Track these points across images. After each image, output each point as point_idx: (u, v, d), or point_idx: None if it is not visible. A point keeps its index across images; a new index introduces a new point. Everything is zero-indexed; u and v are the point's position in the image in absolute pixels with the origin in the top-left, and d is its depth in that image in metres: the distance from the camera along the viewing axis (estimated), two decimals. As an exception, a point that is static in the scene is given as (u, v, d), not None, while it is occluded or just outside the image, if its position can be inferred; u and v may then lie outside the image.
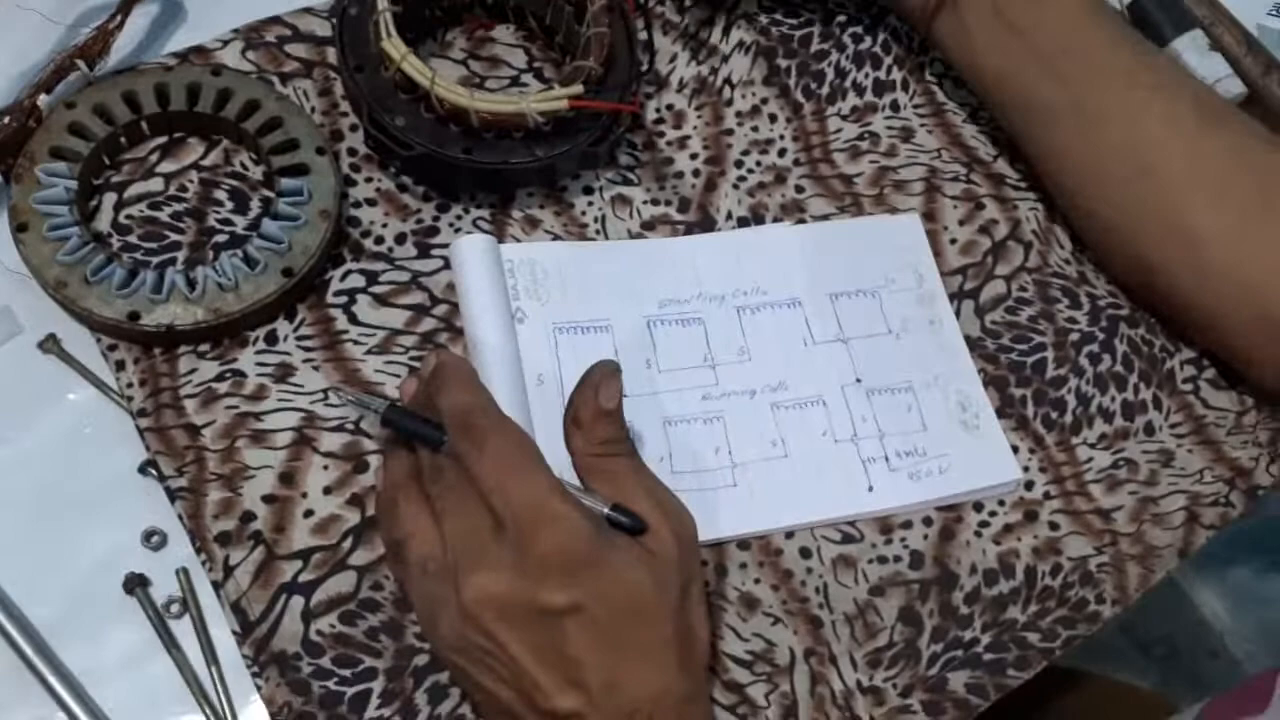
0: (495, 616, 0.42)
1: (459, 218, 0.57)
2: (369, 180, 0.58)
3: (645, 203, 0.60)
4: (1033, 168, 0.62)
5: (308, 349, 0.53)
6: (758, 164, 0.62)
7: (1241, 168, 0.56)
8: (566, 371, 0.54)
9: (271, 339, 0.53)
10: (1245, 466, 0.58)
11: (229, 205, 0.56)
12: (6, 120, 0.53)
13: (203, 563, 0.49)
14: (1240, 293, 0.55)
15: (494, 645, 0.42)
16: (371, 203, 0.57)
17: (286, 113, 0.56)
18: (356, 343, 0.54)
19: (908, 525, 0.54)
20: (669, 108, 0.63)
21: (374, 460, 0.51)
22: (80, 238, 0.51)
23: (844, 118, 0.64)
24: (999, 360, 0.59)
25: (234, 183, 0.56)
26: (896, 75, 0.66)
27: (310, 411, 0.52)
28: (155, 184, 0.55)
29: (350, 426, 0.52)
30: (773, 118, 0.63)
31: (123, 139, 0.55)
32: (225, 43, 0.59)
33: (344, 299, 0.55)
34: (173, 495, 0.50)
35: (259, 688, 0.47)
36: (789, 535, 0.53)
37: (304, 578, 0.49)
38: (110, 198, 0.55)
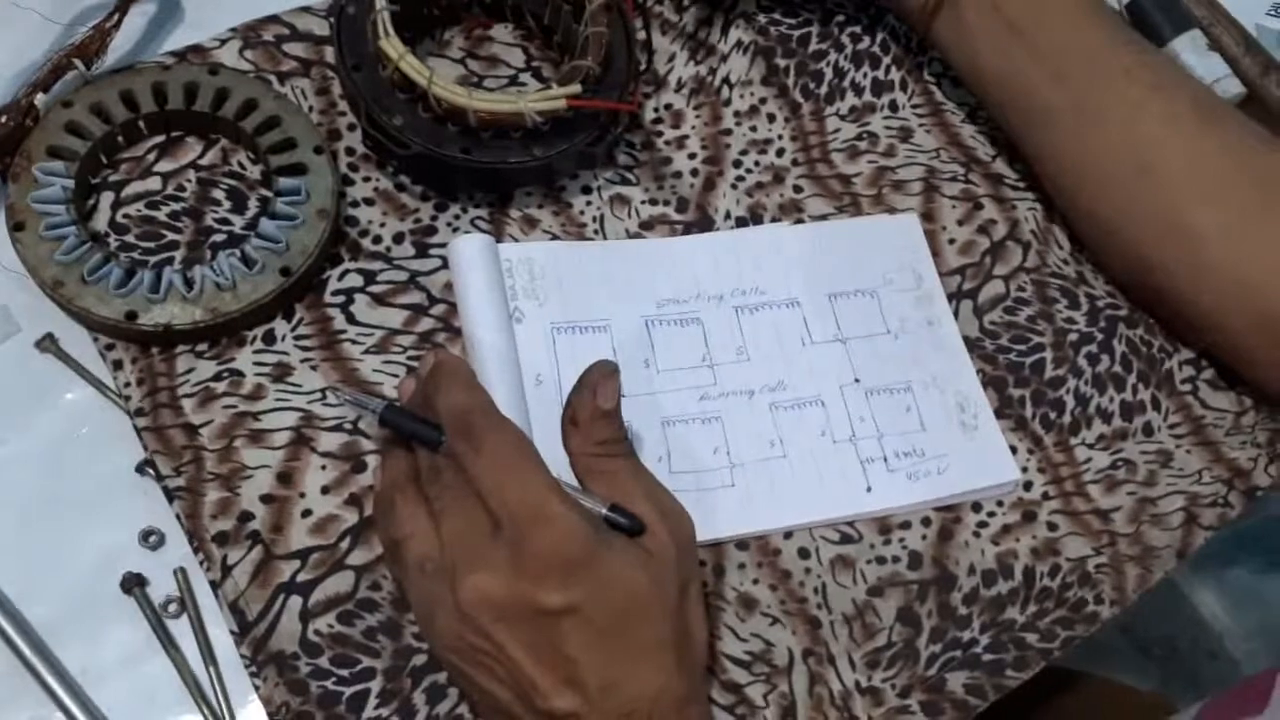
0: (493, 617, 0.42)
1: (457, 217, 0.57)
2: (367, 179, 0.58)
3: (643, 202, 0.60)
4: (1031, 167, 0.62)
5: (306, 348, 0.53)
6: (756, 164, 0.62)
7: (1240, 167, 0.56)
8: (565, 371, 0.54)
9: (269, 338, 0.53)
10: (1244, 467, 0.58)
11: (227, 204, 0.55)
12: (3, 119, 0.52)
13: (200, 562, 0.49)
14: (1239, 292, 0.55)
15: (491, 645, 0.42)
16: (369, 202, 0.57)
17: (284, 112, 0.56)
18: (354, 342, 0.54)
19: (906, 526, 0.54)
20: (667, 107, 0.63)
21: (372, 460, 0.51)
22: (77, 237, 0.51)
23: (842, 118, 0.64)
24: (997, 360, 0.59)
25: (232, 182, 0.56)
26: (895, 75, 0.66)
27: (308, 411, 0.52)
28: (153, 183, 0.55)
29: (348, 426, 0.52)
30: (771, 117, 0.63)
31: (120, 138, 0.55)
32: (223, 42, 0.59)
33: (342, 298, 0.54)
34: (170, 495, 0.50)
35: (257, 687, 0.47)
36: (787, 535, 0.53)
37: (302, 577, 0.49)
38: (108, 197, 0.55)
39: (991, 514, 0.55)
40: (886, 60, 0.66)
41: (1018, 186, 0.63)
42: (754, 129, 0.63)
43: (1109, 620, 0.54)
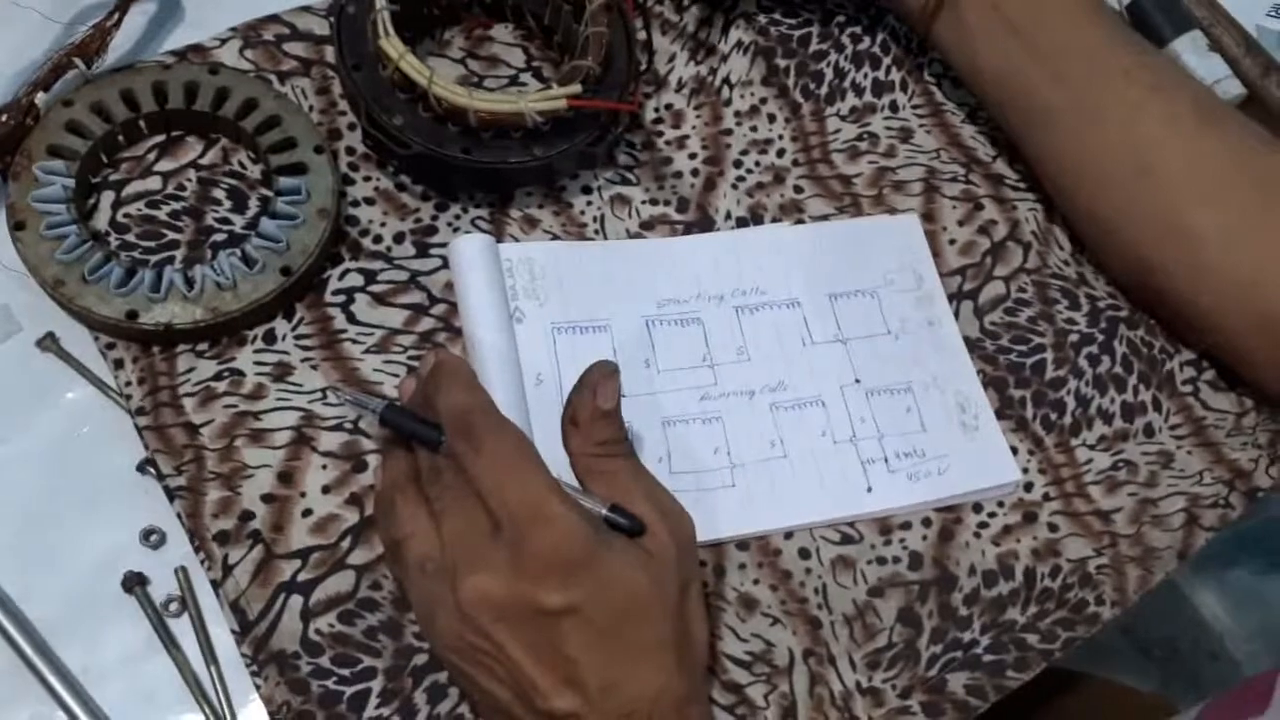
0: (493, 617, 0.42)
1: (457, 217, 0.57)
2: (367, 179, 0.58)
3: (644, 202, 0.60)
4: (1031, 168, 0.62)
5: (306, 348, 0.53)
6: (756, 164, 0.62)
7: (1240, 168, 0.56)
8: (565, 371, 0.54)
9: (270, 338, 0.53)
10: (1245, 468, 0.58)
11: (227, 204, 0.55)
12: (4, 118, 0.52)
13: (201, 562, 0.49)
14: (1238, 293, 0.55)
15: (491, 646, 0.42)
16: (370, 202, 0.57)
17: (284, 111, 0.56)
18: (355, 342, 0.54)
19: (907, 526, 0.54)
20: (668, 107, 0.63)
21: (373, 460, 0.51)
22: (78, 236, 0.51)
23: (843, 118, 0.64)
24: (998, 361, 0.59)
25: (232, 181, 0.56)
26: (895, 76, 0.66)
27: (309, 411, 0.52)
28: (153, 182, 0.55)
29: (349, 426, 0.52)
30: (771, 118, 0.63)
31: (120, 137, 0.55)
32: (223, 41, 0.59)
33: (342, 298, 0.54)
34: (171, 494, 0.50)
35: (258, 687, 0.47)
36: (788, 536, 0.53)
37: (303, 577, 0.49)
38: (108, 196, 0.55)
39: (992, 515, 0.55)
40: (887, 61, 0.66)
41: (1018, 187, 0.63)
42: (754, 129, 0.63)
43: (1110, 621, 0.54)
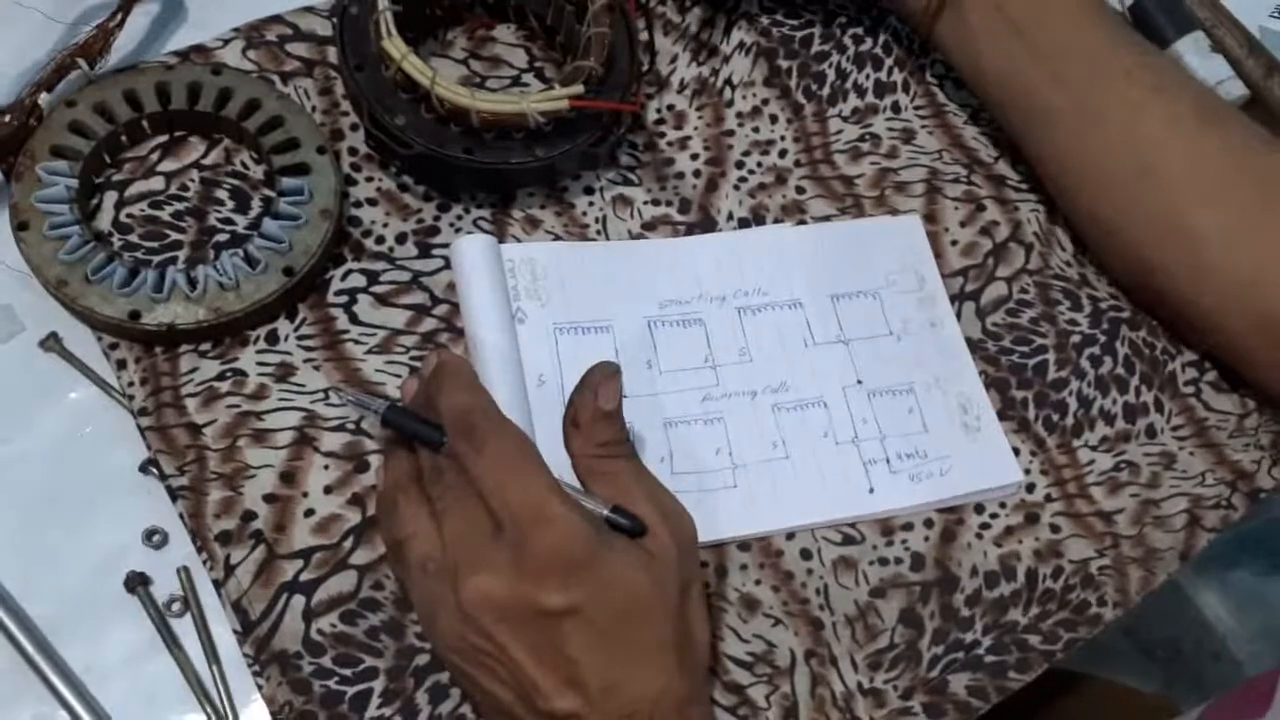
0: (494, 618, 0.42)
1: (460, 217, 0.57)
2: (370, 180, 0.58)
3: (646, 203, 0.60)
4: (1033, 169, 0.62)
5: (309, 348, 0.53)
6: (759, 165, 0.62)
7: (1241, 168, 0.56)
8: (567, 372, 0.54)
9: (272, 338, 0.53)
10: (1247, 469, 0.58)
11: (230, 204, 0.56)
12: (7, 119, 0.53)
13: (204, 562, 0.49)
14: (1239, 293, 0.55)
15: (493, 646, 0.42)
16: (372, 202, 0.57)
17: (287, 112, 0.56)
18: (357, 342, 0.54)
19: (909, 527, 0.54)
20: (670, 108, 0.63)
21: (375, 460, 0.51)
22: (81, 236, 0.51)
23: (845, 119, 0.64)
24: (1000, 362, 0.59)
25: (235, 182, 0.56)
26: (897, 77, 0.66)
27: (311, 411, 0.52)
28: (156, 183, 0.55)
29: (351, 426, 0.52)
30: (773, 119, 0.63)
31: (124, 138, 0.55)
32: (226, 42, 0.59)
33: (345, 298, 0.55)
34: (174, 494, 0.50)
35: (260, 687, 0.47)
36: (790, 536, 0.53)
37: (305, 577, 0.49)
38: (111, 196, 0.55)
39: (994, 516, 0.55)
40: (889, 62, 0.66)
41: (1020, 188, 0.63)
42: (756, 130, 0.63)
43: (1112, 622, 0.54)
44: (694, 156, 0.61)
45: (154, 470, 0.50)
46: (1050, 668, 0.52)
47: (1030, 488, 0.56)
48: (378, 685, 0.47)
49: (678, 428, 0.54)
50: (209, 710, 0.47)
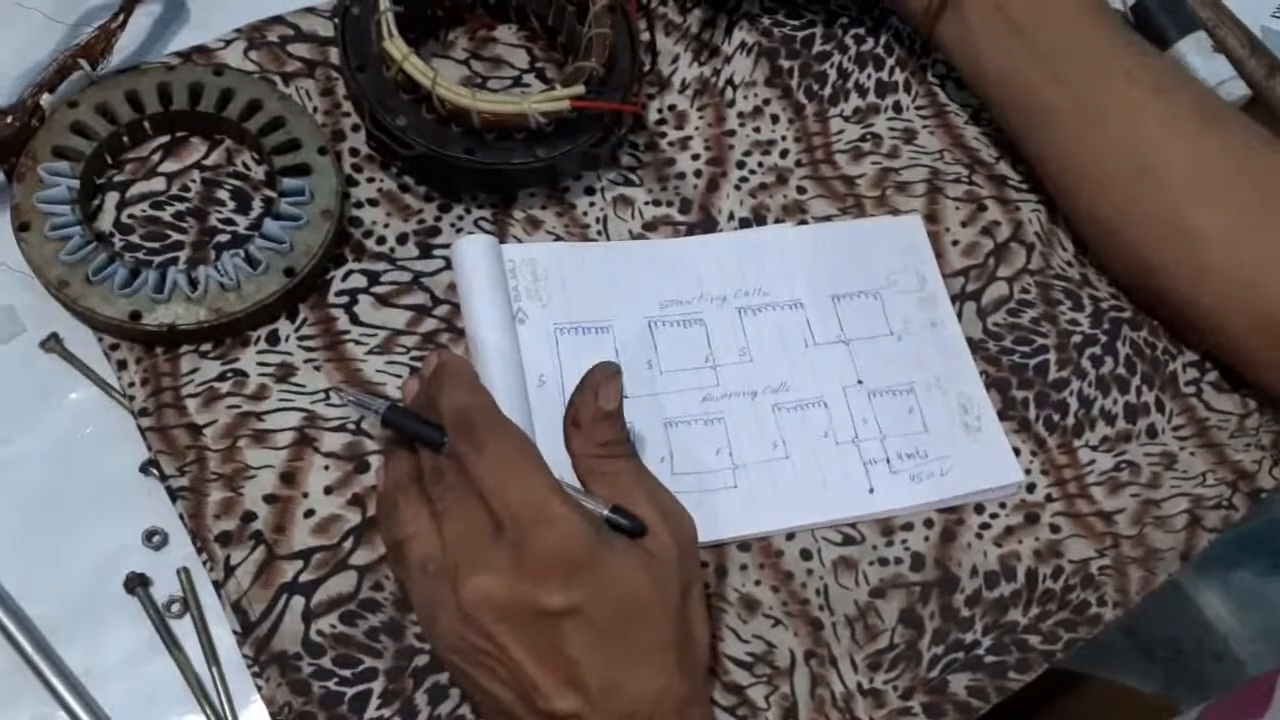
0: (494, 618, 0.42)
1: (460, 218, 0.57)
2: (371, 180, 0.58)
3: (647, 203, 0.60)
4: (1033, 169, 0.62)
5: (309, 349, 0.53)
6: (760, 165, 0.62)
7: (1241, 168, 0.56)
8: (567, 372, 0.54)
9: (273, 339, 0.53)
10: (1248, 469, 0.58)
11: (231, 205, 0.56)
12: (9, 119, 0.53)
13: (204, 562, 0.49)
14: (1239, 293, 0.55)
15: (493, 646, 0.42)
16: (373, 203, 0.57)
17: (289, 112, 0.56)
18: (358, 343, 0.54)
19: (909, 527, 0.54)
20: (671, 108, 0.63)
21: (375, 460, 0.51)
22: (82, 237, 0.51)
23: (846, 119, 0.64)
24: (1001, 362, 0.59)
25: (236, 182, 0.56)
26: (899, 77, 0.66)
27: (312, 411, 0.52)
28: (157, 183, 0.55)
29: (351, 427, 0.52)
30: (775, 119, 0.63)
31: (125, 138, 0.55)
32: (228, 42, 0.59)
33: (346, 299, 0.55)
34: (174, 495, 0.50)
35: (259, 688, 0.47)
36: (790, 537, 0.53)
37: (305, 578, 0.49)
38: (112, 197, 0.55)
39: (994, 516, 0.55)
40: (890, 62, 0.66)
41: (1021, 188, 0.63)
42: (757, 130, 0.63)
43: (1112, 622, 0.54)
44: (695, 157, 0.61)
45: (154, 471, 0.50)
46: (1050, 668, 0.52)
47: (1031, 488, 0.56)
48: (377, 686, 0.47)
49: (678, 428, 0.54)
50: (209, 711, 0.47)
